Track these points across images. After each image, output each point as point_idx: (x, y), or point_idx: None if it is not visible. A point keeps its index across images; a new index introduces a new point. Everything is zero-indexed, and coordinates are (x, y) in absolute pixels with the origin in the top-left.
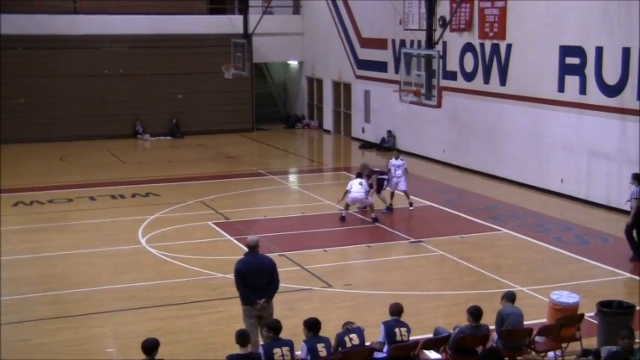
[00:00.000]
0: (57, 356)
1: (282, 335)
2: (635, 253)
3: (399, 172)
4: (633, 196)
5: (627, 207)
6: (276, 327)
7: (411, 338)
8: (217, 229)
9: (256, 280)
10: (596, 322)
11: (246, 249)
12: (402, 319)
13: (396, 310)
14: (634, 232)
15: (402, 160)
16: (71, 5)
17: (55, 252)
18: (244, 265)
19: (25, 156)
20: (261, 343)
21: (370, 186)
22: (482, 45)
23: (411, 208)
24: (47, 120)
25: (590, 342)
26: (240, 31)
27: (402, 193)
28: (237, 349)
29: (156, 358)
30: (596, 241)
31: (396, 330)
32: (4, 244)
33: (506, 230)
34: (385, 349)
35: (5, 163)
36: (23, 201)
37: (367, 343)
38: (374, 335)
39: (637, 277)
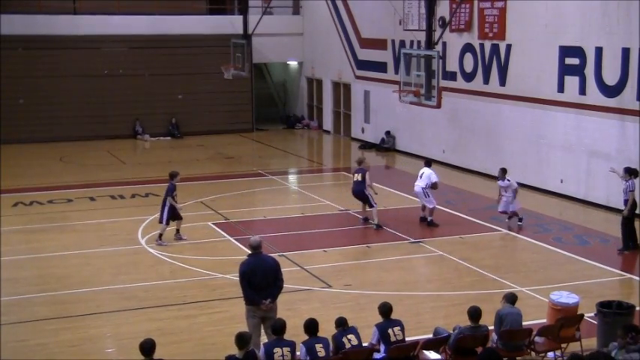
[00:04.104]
0: (56, 356)
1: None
2: (625, 245)
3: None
4: (629, 189)
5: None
6: (278, 327)
7: (410, 338)
8: (217, 229)
9: (261, 280)
10: (595, 322)
11: (249, 250)
12: (395, 317)
13: (385, 309)
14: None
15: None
16: (71, 5)
17: (55, 252)
18: (249, 267)
19: (25, 156)
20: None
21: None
22: (481, 45)
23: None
24: (47, 120)
25: (590, 342)
26: (240, 31)
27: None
28: (236, 350)
29: (154, 358)
30: (596, 241)
31: (389, 331)
32: (4, 244)
33: (505, 231)
34: (382, 350)
35: (5, 163)
36: (23, 201)
37: (365, 344)
38: (370, 335)
39: (637, 278)
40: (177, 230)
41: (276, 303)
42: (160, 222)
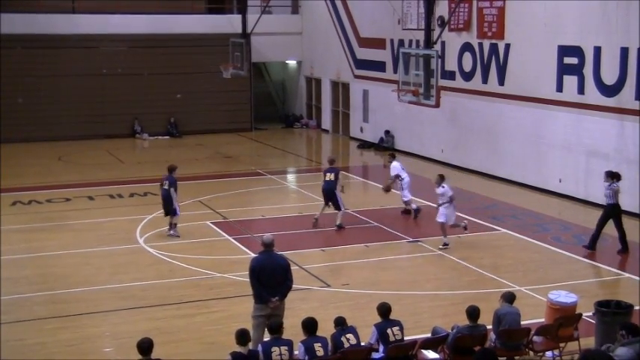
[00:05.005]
0: (55, 356)
1: None
2: (624, 246)
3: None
4: (614, 191)
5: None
6: (275, 326)
7: (409, 338)
8: (215, 228)
9: (270, 278)
10: (594, 321)
11: (262, 247)
12: (394, 317)
13: (384, 310)
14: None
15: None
16: (70, 5)
17: (53, 252)
18: (259, 263)
19: (24, 155)
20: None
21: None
22: (480, 45)
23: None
24: (45, 119)
25: (588, 342)
26: (239, 30)
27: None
28: (235, 349)
29: (152, 357)
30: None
31: (388, 331)
32: (2, 243)
33: (504, 230)
34: (381, 349)
35: (3, 162)
36: (21, 200)
37: (363, 343)
38: (368, 335)
39: (635, 277)
40: (171, 225)
41: (284, 302)
42: (173, 214)
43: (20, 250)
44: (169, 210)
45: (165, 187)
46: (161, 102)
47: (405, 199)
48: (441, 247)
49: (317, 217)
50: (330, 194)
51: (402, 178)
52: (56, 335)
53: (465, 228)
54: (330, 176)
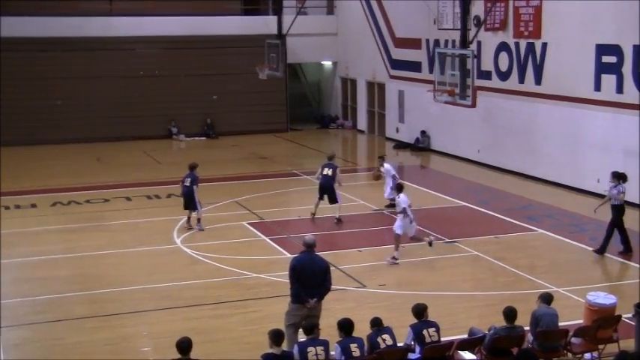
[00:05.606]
0: (92, 355)
1: None
2: (626, 247)
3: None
4: (620, 192)
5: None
6: (309, 327)
7: (445, 339)
8: (252, 229)
9: (309, 278)
10: (633, 323)
11: (303, 247)
12: (430, 318)
13: (419, 310)
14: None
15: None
16: (107, 7)
17: (92, 252)
18: (299, 263)
19: (62, 157)
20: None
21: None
22: (517, 44)
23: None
24: (83, 121)
25: (628, 344)
26: (274, 31)
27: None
28: (269, 350)
29: (191, 357)
30: (633, 241)
31: (424, 332)
32: (41, 244)
33: (541, 230)
34: (417, 350)
35: (43, 163)
36: (61, 201)
37: (399, 344)
38: (404, 335)
39: None
40: (189, 219)
41: (321, 303)
42: (195, 209)
43: (59, 251)
44: (189, 205)
45: (187, 184)
46: (197, 103)
47: (390, 197)
48: (388, 259)
49: (313, 212)
50: (327, 188)
51: (397, 178)
52: (94, 334)
53: (430, 244)
54: (328, 171)
